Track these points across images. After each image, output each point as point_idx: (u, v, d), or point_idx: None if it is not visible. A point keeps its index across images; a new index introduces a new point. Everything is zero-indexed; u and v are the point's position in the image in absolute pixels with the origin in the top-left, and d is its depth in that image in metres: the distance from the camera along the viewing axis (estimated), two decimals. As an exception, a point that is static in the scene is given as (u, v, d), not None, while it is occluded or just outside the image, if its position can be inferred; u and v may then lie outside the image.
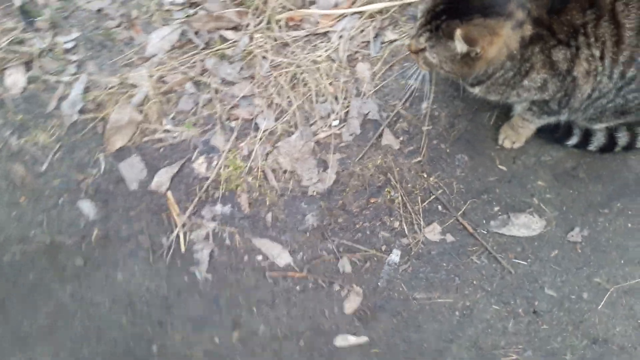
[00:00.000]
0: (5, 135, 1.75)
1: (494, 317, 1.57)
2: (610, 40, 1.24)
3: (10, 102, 1.78)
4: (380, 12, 1.83)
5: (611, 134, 1.59)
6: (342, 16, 1.86)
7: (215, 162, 1.71)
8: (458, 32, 1.18)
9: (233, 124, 1.76)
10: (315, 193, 1.69)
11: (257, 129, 1.75)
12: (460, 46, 1.22)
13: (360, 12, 1.85)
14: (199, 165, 1.72)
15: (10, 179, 1.71)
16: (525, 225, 1.62)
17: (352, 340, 1.57)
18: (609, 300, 1.55)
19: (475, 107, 1.72)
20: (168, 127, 1.74)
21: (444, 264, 1.61)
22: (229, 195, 1.69)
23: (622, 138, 1.58)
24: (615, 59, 1.27)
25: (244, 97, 1.78)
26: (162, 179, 1.69)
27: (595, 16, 1.23)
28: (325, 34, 1.86)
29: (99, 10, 1.90)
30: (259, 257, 1.64)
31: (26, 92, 1.79)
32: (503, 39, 1.22)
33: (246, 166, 1.70)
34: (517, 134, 1.64)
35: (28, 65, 1.81)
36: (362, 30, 1.84)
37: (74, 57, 1.83)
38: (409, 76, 1.69)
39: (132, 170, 1.70)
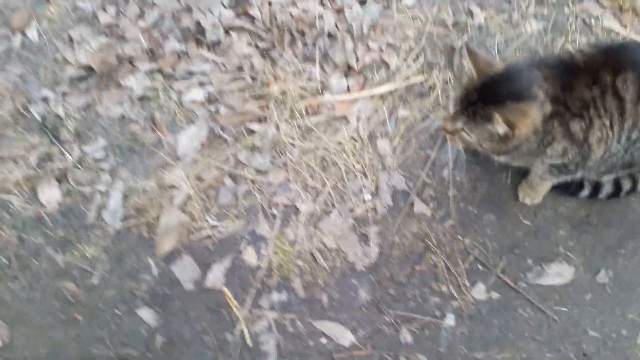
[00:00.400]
0: (50, 253, 1.75)
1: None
2: (616, 112, 1.45)
3: (48, 219, 1.79)
4: (390, 93, 2.01)
5: (617, 182, 1.80)
6: (355, 100, 2.02)
7: (264, 251, 1.79)
8: (497, 117, 1.37)
9: (274, 211, 1.85)
10: (362, 267, 1.79)
11: (297, 212, 1.85)
12: (499, 128, 1.40)
13: (371, 95, 2.02)
14: (249, 256, 1.78)
15: (62, 298, 1.71)
16: (558, 274, 1.78)
17: (425, 405, 1.65)
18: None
19: (492, 170, 1.90)
20: (213, 223, 1.80)
21: (495, 321, 1.73)
22: (283, 282, 1.76)
23: (626, 184, 1.79)
24: (621, 126, 1.48)
25: (279, 184, 1.88)
26: (217, 275, 1.74)
27: (601, 91, 1.44)
28: (343, 117, 2.00)
29: (122, 117, 1.96)
30: (323, 340, 1.71)
31: (63, 206, 1.81)
32: (532, 118, 1.42)
33: (294, 250, 1.79)
34: (535, 192, 1.83)
35: (60, 179, 1.84)
36: (376, 111, 2.00)
37: (105, 165, 1.87)
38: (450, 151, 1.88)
39: (186, 270, 1.74)
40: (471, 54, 1.47)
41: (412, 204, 1.87)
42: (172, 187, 1.83)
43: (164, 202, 1.79)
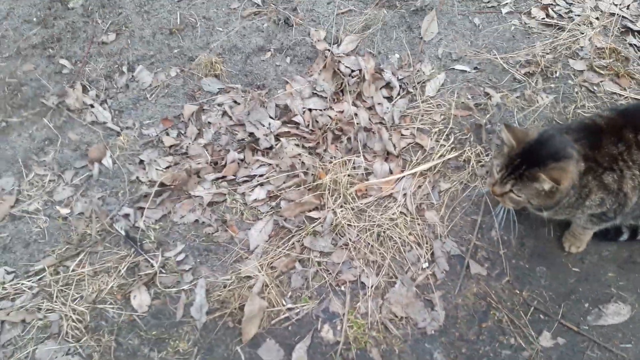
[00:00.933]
0: (145, 352, 1.92)
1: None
2: None
3: (140, 321, 1.98)
4: (429, 170, 2.27)
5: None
6: (399, 180, 2.27)
7: (339, 327, 1.94)
8: (543, 176, 1.60)
9: (343, 287, 2.03)
10: (433, 331, 1.93)
11: (364, 287, 2.02)
12: (546, 185, 1.63)
13: (412, 174, 2.27)
14: (326, 332, 1.93)
15: (162, 392, 1.85)
16: (616, 313, 1.90)
17: None
18: None
19: (534, 227, 2.10)
20: (289, 305, 1.98)
21: (567, 365, 1.84)
22: (361, 354, 1.89)
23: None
24: None
25: (343, 262, 2.08)
26: (300, 354, 1.89)
27: (626, 147, 1.71)
28: (390, 195, 2.24)
29: (195, 221, 2.22)
30: (407, 404, 1.81)
31: (153, 308, 2.01)
32: (571, 173, 1.64)
33: (367, 322, 1.94)
34: (579, 240, 2.01)
35: (148, 285, 2.06)
36: (419, 187, 2.25)
37: (186, 267, 2.09)
38: (497, 214, 2.07)
39: (270, 353, 1.89)
40: (508, 127, 1.74)
41: (468, 266, 2.05)
42: (249, 277, 2.04)
43: (244, 292, 1.99)
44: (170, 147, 2.48)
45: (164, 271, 2.09)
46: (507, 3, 2.83)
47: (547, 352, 1.86)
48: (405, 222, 2.15)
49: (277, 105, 2.57)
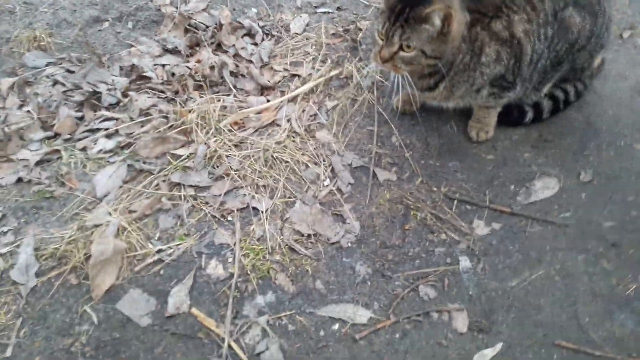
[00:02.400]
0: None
1: (582, 264, 1.50)
2: (528, 6, 1.59)
3: None
4: (311, 91, 1.99)
5: (553, 96, 1.87)
6: (279, 108, 1.95)
7: (230, 259, 1.46)
8: (430, 11, 1.40)
9: (230, 217, 1.58)
10: (349, 244, 1.54)
11: (257, 212, 1.60)
12: (437, 21, 1.43)
13: (293, 98, 1.97)
14: (214, 268, 1.44)
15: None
16: (545, 187, 1.70)
17: (489, 353, 1.31)
18: None
19: (434, 124, 1.88)
20: (159, 247, 1.47)
21: (511, 247, 1.55)
22: (265, 283, 1.42)
23: (560, 95, 1.87)
24: (538, 22, 1.60)
25: (227, 192, 1.64)
26: (179, 298, 1.36)
27: None
28: (272, 123, 1.90)
29: (19, 181, 1.65)
30: (335, 326, 1.35)
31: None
32: (457, 13, 1.47)
33: (266, 247, 1.49)
34: (485, 124, 1.83)
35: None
36: (303, 111, 1.94)
37: (4, 229, 1.50)
38: (392, 82, 1.73)
39: (136, 305, 1.34)
40: None
41: (374, 175, 1.74)
42: (98, 226, 1.50)
43: (93, 239, 1.44)
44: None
45: (-32, 241, 1.48)
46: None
47: (486, 239, 1.57)
48: (295, 144, 1.81)
49: (121, 68, 2.18)
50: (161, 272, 1.44)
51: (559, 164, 1.78)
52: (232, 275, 1.43)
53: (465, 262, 1.51)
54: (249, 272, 1.45)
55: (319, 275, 1.47)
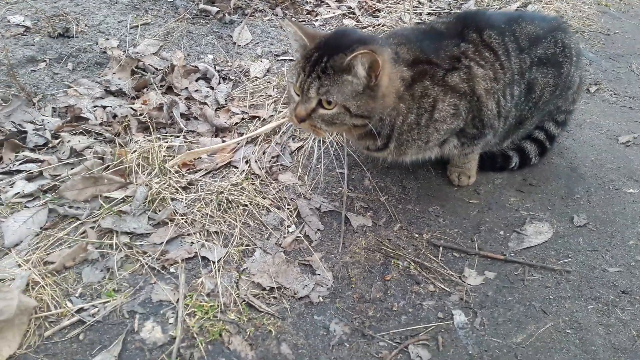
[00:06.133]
0: None
1: (593, 313, 1.26)
2: (496, 62, 1.45)
3: None
4: (274, 132, 1.78)
5: (534, 138, 1.74)
6: (238, 148, 1.73)
7: (171, 319, 1.15)
8: (351, 58, 1.17)
9: (173, 269, 1.28)
10: (321, 299, 1.27)
11: (207, 263, 1.31)
12: (360, 72, 1.20)
13: (252, 140, 1.76)
14: (150, 331, 1.12)
15: None
16: (537, 232, 1.50)
17: None
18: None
19: (410, 167, 1.69)
20: (80, 305, 1.14)
21: (510, 298, 1.31)
22: (216, 348, 1.11)
23: (541, 135, 1.73)
24: (504, 80, 1.46)
25: (169, 240, 1.36)
26: (102, 369, 1.03)
27: (472, 45, 1.44)
28: (228, 165, 1.66)
29: None
30: (307, 402, 1.04)
31: None
32: (386, 64, 1.25)
33: (218, 304, 1.20)
34: (465, 168, 1.65)
35: None
36: (264, 152, 1.72)
37: None
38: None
39: (42, 380, 1.00)
40: (295, 23, 1.32)
41: (347, 220, 1.50)
42: (1, 280, 1.18)
43: (-10, 298, 1.11)
44: None
45: None
46: (318, 19, 2.79)
47: (480, 290, 1.33)
48: (255, 187, 1.57)
49: (54, 109, 1.91)
50: (80, 337, 1.10)
51: (549, 209, 1.61)
52: (173, 339, 1.12)
53: (460, 317, 1.27)
54: (195, 335, 1.14)
55: (285, 337, 1.17)
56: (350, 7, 2.99)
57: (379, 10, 2.95)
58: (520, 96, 1.53)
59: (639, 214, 1.61)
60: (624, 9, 3.41)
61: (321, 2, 3.08)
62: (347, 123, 1.28)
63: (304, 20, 2.77)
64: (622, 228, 1.55)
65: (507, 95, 1.48)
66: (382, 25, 2.71)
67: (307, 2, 2.99)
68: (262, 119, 1.87)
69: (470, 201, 1.62)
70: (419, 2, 3.07)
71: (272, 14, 2.80)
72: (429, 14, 2.97)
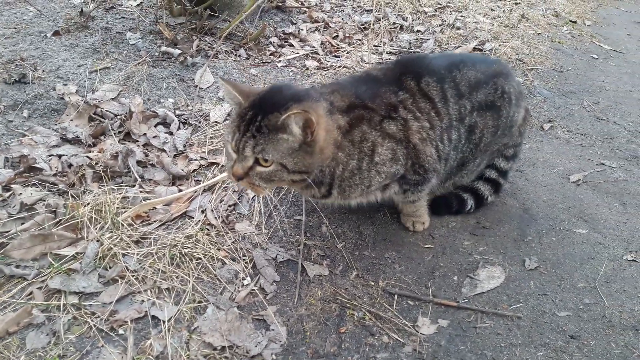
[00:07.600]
0: None
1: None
2: (432, 111, 1.48)
3: None
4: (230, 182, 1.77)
5: (485, 178, 1.78)
6: (193, 198, 1.71)
7: (119, 385, 1.12)
8: (285, 118, 1.18)
9: (121, 330, 1.24)
10: (274, 356, 1.24)
11: (157, 322, 1.28)
12: (295, 130, 1.21)
13: (208, 188, 1.75)
14: (95, 399, 1.09)
15: None
16: (490, 277, 1.52)
17: None
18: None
19: (367, 212, 1.70)
20: (20, 375, 1.10)
21: (462, 347, 1.31)
22: (163, 415, 1.08)
23: (493, 174, 1.77)
24: (440, 127, 1.49)
25: (119, 299, 1.32)
26: None
27: (409, 95, 1.47)
28: (183, 215, 1.65)
29: None
30: None
31: None
32: (321, 119, 1.27)
33: (168, 368, 1.17)
34: (416, 216, 1.67)
35: None
36: (221, 200, 1.71)
37: None
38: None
39: None
40: (228, 81, 1.33)
41: (304, 270, 1.50)
42: (-62, 351, 1.13)
43: None
44: None
45: None
46: (281, 59, 2.82)
47: (433, 340, 1.33)
48: (210, 238, 1.55)
49: (7, 159, 1.87)
50: (20, 410, 1.08)
51: (501, 252, 1.63)
52: (119, 407, 1.10)
53: (413, 371, 1.27)
54: (142, 402, 1.12)
55: (236, 399, 1.16)
56: (313, 47, 3.06)
57: (342, 50, 3.02)
58: (460, 139, 1.56)
59: (587, 255, 1.64)
60: (577, 46, 3.56)
61: (285, 43, 3.14)
62: (285, 179, 1.29)
63: (268, 62, 2.81)
64: (572, 270, 1.58)
65: (445, 140, 1.51)
66: (344, 67, 2.76)
67: (270, 42, 3.04)
68: (220, 166, 1.87)
69: (425, 246, 1.63)
70: (381, 42, 3.16)
71: (236, 55, 2.83)
72: (389, 52, 3.06)
